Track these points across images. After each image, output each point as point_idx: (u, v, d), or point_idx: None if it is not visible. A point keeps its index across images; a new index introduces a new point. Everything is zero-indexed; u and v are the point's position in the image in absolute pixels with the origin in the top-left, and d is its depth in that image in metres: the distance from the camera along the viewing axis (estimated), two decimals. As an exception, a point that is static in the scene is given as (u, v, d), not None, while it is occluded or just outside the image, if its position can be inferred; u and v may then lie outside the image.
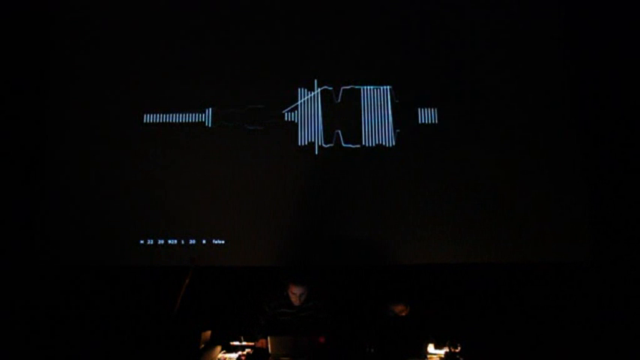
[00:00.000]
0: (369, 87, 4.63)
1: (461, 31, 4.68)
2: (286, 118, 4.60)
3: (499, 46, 4.65)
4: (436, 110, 4.57)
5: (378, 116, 4.59)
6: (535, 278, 4.34)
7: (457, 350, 3.42)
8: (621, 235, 4.34)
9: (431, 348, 3.48)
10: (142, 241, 4.43)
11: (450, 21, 4.70)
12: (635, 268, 4.27)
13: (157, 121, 4.61)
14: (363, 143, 4.54)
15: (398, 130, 4.55)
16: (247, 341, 3.60)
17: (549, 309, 4.26)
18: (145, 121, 4.60)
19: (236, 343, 3.59)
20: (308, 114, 4.61)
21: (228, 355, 3.49)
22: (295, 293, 3.72)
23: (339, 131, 4.57)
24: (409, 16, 4.71)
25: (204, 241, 4.42)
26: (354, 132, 4.57)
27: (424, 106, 4.58)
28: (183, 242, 4.43)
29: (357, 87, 4.64)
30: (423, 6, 4.73)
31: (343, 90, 4.64)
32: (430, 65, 4.64)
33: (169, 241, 4.43)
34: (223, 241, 4.43)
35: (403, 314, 3.68)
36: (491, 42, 4.65)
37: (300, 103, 4.62)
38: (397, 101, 4.60)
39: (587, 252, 4.37)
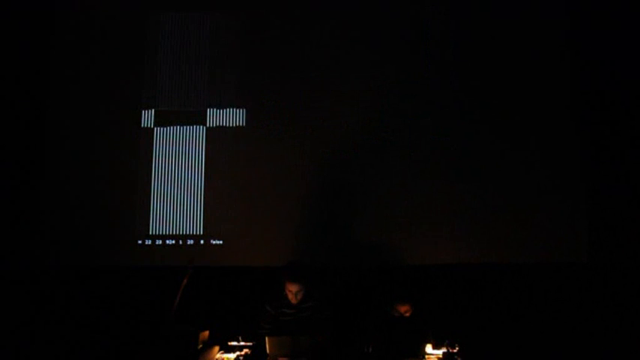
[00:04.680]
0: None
1: (462, 31, 4.68)
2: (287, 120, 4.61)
3: (502, 50, 4.64)
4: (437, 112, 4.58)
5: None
6: (534, 278, 4.33)
7: (455, 350, 3.41)
8: (620, 235, 4.33)
9: (429, 348, 3.47)
10: (139, 242, 4.44)
11: (450, 20, 4.70)
12: (635, 268, 4.26)
13: (156, 120, 4.62)
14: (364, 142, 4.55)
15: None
16: (245, 341, 3.59)
17: (548, 309, 4.25)
18: (143, 120, 4.62)
19: (234, 343, 3.58)
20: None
21: (226, 356, 3.48)
22: (292, 291, 3.70)
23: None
24: (406, 13, 4.71)
25: (202, 242, 4.43)
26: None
27: (425, 108, 4.59)
28: (181, 242, 4.44)
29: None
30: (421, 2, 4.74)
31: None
32: (432, 67, 4.64)
33: (167, 242, 4.44)
34: (221, 242, 4.43)
35: (408, 314, 3.68)
36: (495, 47, 4.65)
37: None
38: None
39: (587, 252, 4.36)
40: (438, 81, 4.61)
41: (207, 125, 4.61)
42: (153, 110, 4.64)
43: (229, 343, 3.58)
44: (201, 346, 3.47)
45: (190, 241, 4.44)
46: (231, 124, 4.62)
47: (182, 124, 4.61)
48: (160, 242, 4.44)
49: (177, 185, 4.51)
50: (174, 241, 4.44)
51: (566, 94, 4.57)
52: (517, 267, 4.34)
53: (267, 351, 3.31)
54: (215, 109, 4.64)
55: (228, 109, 4.64)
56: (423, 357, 3.34)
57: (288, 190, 4.48)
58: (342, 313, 4.12)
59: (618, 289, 4.23)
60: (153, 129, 4.61)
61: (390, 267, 4.38)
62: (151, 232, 4.45)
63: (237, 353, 3.48)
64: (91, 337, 4.21)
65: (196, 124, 4.61)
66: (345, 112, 4.58)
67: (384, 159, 4.52)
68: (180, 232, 4.44)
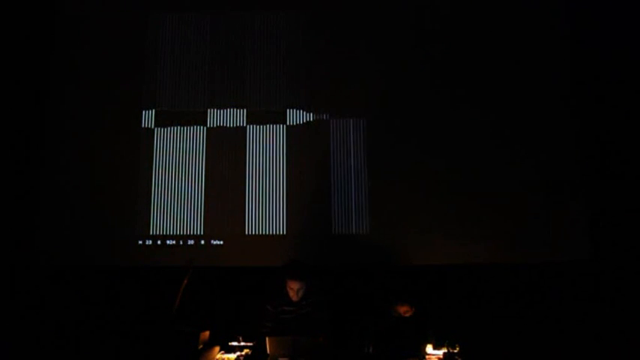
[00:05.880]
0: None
1: (461, 30, 4.69)
2: (287, 121, 4.61)
3: (502, 52, 4.65)
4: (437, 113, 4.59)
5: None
6: (535, 277, 4.33)
7: (456, 351, 3.41)
8: (621, 233, 4.33)
9: (429, 349, 3.47)
10: (140, 242, 4.44)
11: (449, 18, 4.71)
12: (635, 267, 4.26)
13: (156, 121, 4.63)
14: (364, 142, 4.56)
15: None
16: (246, 341, 3.59)
17: (549, 308, 4.25)
18: (143, 121, 4.62)
19: (234, 343, 3.58)
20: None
21: (226, 356, 3.48)
22: (293, 288, 3.70)
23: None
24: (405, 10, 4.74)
25: (202, 242, 4.44)
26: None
27: (425, 108, 4.60)
28: (181, 243, 4.44)
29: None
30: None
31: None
32: (431, 66, 4.65)
33: (168, 242, 4.44)
34: (221, 242, 4.44)
35: (408, 315, 3.68)
36: (495, 47, 4.66)
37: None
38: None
39: (587, 251, 4.36)
40: (438, 81, 4.62)
41: (208, 126, 4.62)
42: (153, 110, 4.64)
43: (230, 344, 3.59)
44: (201, 346, 3.47)
45: (190, 242, 4.44)
46: (231, 125, 4.62)
47: (182, 124, 4.61)
48: (161, 242, 4.44)
49: (178, 185, 4.51)
50: (174, 242, 4.44)
51: (567, 92, 4.57)
52: (517, 267, 4.34)
53: (268, 351, 3.31)
54: (215, 110, 4.64)
55: (228, 110, 4.64)
56: (424, 357, 3.34)
57: (288, 190, 4.48)
58: (342, 313, 4.12)
59: (620, 286, 4.22)
60: (153, 129, 4.61)
61: (390, 267, 4.38)
62: (151, 232, 4.45)
63: (238, 353, 3.48)
64: (91, 337, 4.20)
65: (197, 125, 4.61)
66: (345, 112, 4.58)
67: (384, 159, 4.52)
68: (181, 233, 4.44)
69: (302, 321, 3.71)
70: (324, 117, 4.59)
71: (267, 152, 4.56)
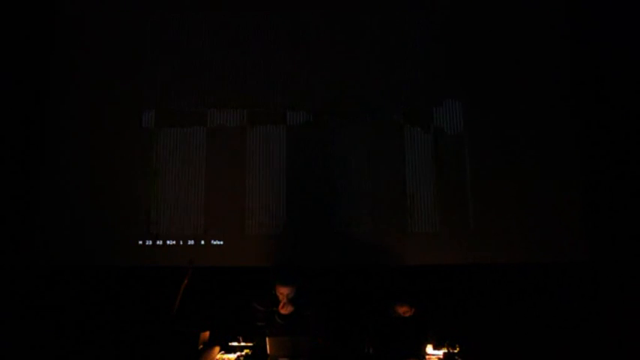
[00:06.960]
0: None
1: (461, 30, 4.70)
2: (287, 121, 4.61)
3: (502, 52, 4.65)
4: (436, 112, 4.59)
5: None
6: (534, 278, 4.33)
7: (456, 351, 3.41)
8: (621, 234, 4.33)
9: (429, 349, 3.48)
10: (140, 242, 4.44)
11: (449, 18, 4.72)
12: (635, 267, 4.26)
13: (156, 121, 4.63)
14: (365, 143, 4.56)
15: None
16: (246, 342, 3.60)
17: (548, 309, 4.25)
18: (143, 121, 4.62)
19: (234, 343, 3.59)
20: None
21: (226, 356, 3.49)
22: (283, 293, 3.71)
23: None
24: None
25: (202, 242, 4.44)
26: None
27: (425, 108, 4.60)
28: (181, 243, 4.44)
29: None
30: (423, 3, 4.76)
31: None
32: (431, 66, 4.65)
33: (168, 242, 4.44)
34: (222, 242, 4.44)
35: (407, 315, 3.68)
36: (495, 47, 4.67)
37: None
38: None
39: (587, 252, 4.36)
40: (438, 81, 4.62)
41: (208, 126, 4.62)
42: (153, 110, 4.64)
43: (230, 344, 3.59)
44: (201, 346, 3.47)
45: (190, 242, 4.44)
46: (231, 125, 4.62)
47: (183, 124, 4.61)
48: (161, 242, 4.44)
49: (178, 185, 4.51)
50: (174, 242, 4.44)
51: (567, 92, 4.57)
52: (517, 267, 4.34)
53: (268, 351, 3.32)
54: (215, 110, 4.64)
55: (228, 110, 4.64)
56: (424, 357, 3.35)
57: (288, 190, 4.48)
58: (342, 313, 4.12)
59: (620, 286, 4.22)
60: (153, 129, 4.61)
61: (390, 267, 4.38)
62: (151, 232, 4.45)
63: (238, 354, 3.49)
64: (91, 337, 4.20)
65: (197, 125, 4.61)
66: (345, 113, 4.58)
67: (384, 160, 4.52)
68: (181, 233, 4.44)
69: (295, 321, 3.71)
70: (324, 117, 4.60)
71: (267, 152, 4.56)
